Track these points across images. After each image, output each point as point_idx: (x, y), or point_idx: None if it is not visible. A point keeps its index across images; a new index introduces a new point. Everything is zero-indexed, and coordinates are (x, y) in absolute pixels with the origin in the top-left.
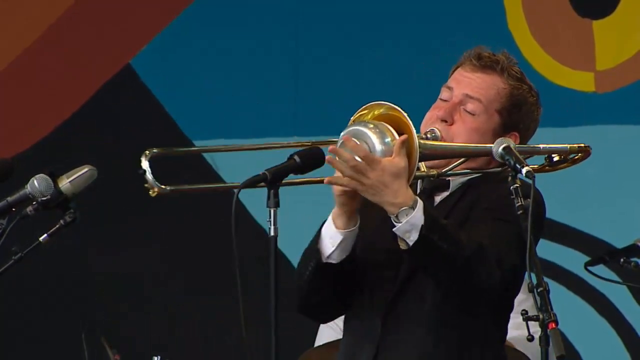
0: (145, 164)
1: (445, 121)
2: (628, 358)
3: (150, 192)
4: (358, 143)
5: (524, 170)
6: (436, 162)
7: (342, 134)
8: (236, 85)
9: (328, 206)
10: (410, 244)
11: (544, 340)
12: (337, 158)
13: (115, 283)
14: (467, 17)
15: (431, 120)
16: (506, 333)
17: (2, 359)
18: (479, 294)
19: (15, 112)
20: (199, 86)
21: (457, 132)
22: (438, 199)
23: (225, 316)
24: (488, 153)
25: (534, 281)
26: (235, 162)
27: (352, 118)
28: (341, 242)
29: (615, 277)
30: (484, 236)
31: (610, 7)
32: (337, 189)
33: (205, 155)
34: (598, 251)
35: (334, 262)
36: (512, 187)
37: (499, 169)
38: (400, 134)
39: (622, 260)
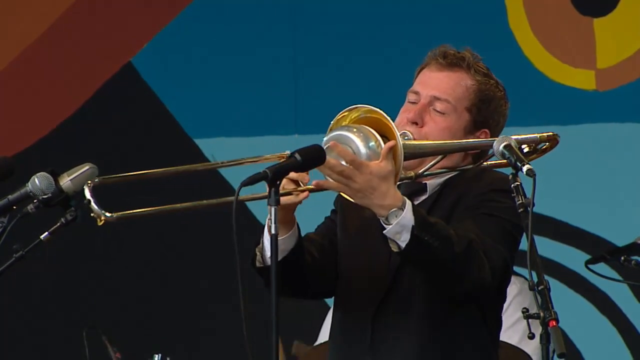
0: (88, 194)
1: (416, 123)
2: (629, 356)
3: (97, 221)
4: (344, 148)
5: (524, 169)
6: (410, 162)
7: (325, 139)
8: (237, 83)
9: (327, 205)
10: (402, 244)
11: (545, 338)
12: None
13: (115, 283)
14: (468, 17)
15: (402, 123)
16: (501, 323)
17: (2, 359)
18: (471, 289)
19: (15, 111)
20: (200, 85)
21: (429, 133)
22: (416, 202)
23: (226, 316)
24: (465, 148)
25: (535, 279)
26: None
27: (331, 123)
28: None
29: (616, 276)
30: (470, 232)
31: (611, 5)
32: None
33: (205, 154)
34: (599, 249)
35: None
36: (512, 185)
37: (472, 165)
38: (381, 135)
39: (622, 258)
